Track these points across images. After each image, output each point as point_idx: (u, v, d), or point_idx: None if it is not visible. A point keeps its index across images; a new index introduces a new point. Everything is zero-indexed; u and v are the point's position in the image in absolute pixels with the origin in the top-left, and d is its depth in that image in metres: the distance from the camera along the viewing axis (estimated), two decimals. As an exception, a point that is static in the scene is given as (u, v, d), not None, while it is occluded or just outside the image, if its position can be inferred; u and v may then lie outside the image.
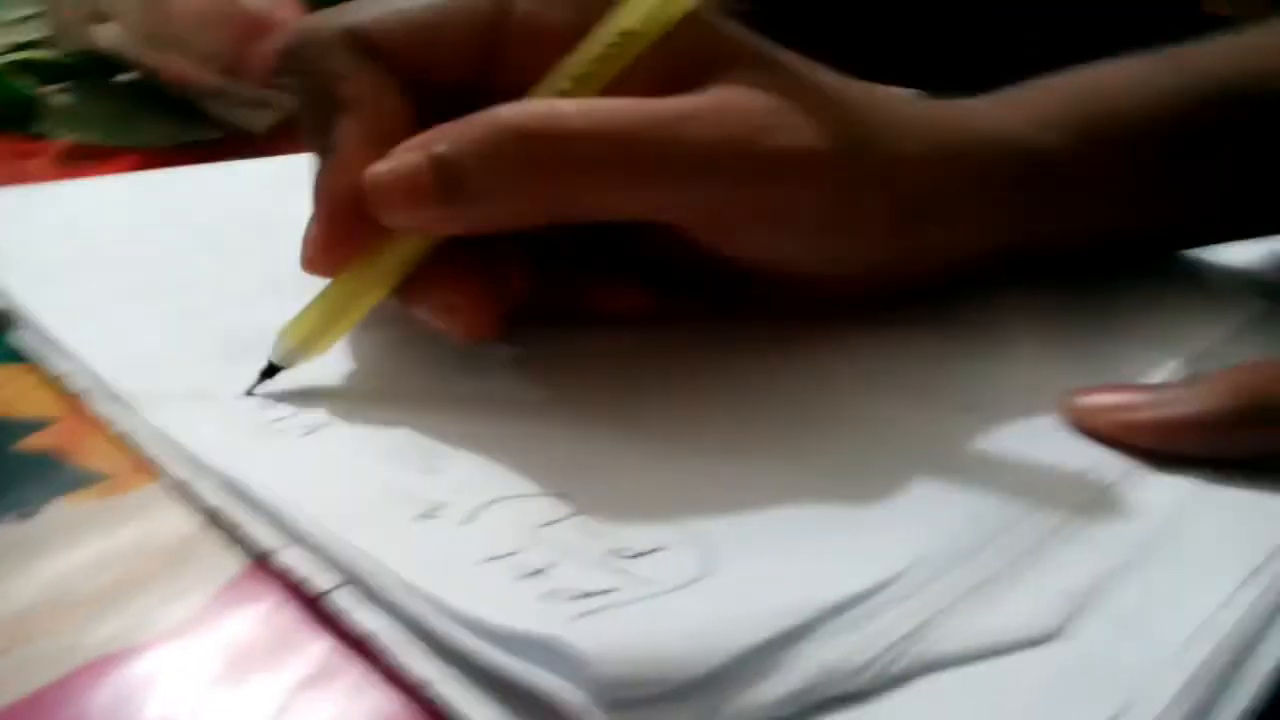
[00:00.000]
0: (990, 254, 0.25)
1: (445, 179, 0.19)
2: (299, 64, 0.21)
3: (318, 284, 0.25)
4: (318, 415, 0.19)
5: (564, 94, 0.20)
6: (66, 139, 0.38)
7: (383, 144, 0.20)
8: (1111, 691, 0.14)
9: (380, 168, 0.19)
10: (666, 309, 0.24)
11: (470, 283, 0.20)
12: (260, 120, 0.41)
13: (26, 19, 0.41)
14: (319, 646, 0.15)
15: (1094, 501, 0.18)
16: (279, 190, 0.32)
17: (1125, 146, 0.25)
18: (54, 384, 0.21)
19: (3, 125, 0.39)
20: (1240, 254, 0.30)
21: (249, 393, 0.20)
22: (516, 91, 0.20)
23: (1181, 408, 0.19)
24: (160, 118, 0.40)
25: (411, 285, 0.20)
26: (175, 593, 0.16)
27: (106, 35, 0.39)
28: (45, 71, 0.41)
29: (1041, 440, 0.20)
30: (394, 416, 0.20)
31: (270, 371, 0.20)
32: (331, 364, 0.21)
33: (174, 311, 0.23)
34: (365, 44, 0.20)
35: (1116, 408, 0.20)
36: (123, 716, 0.14)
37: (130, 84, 0.41)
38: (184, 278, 0.25)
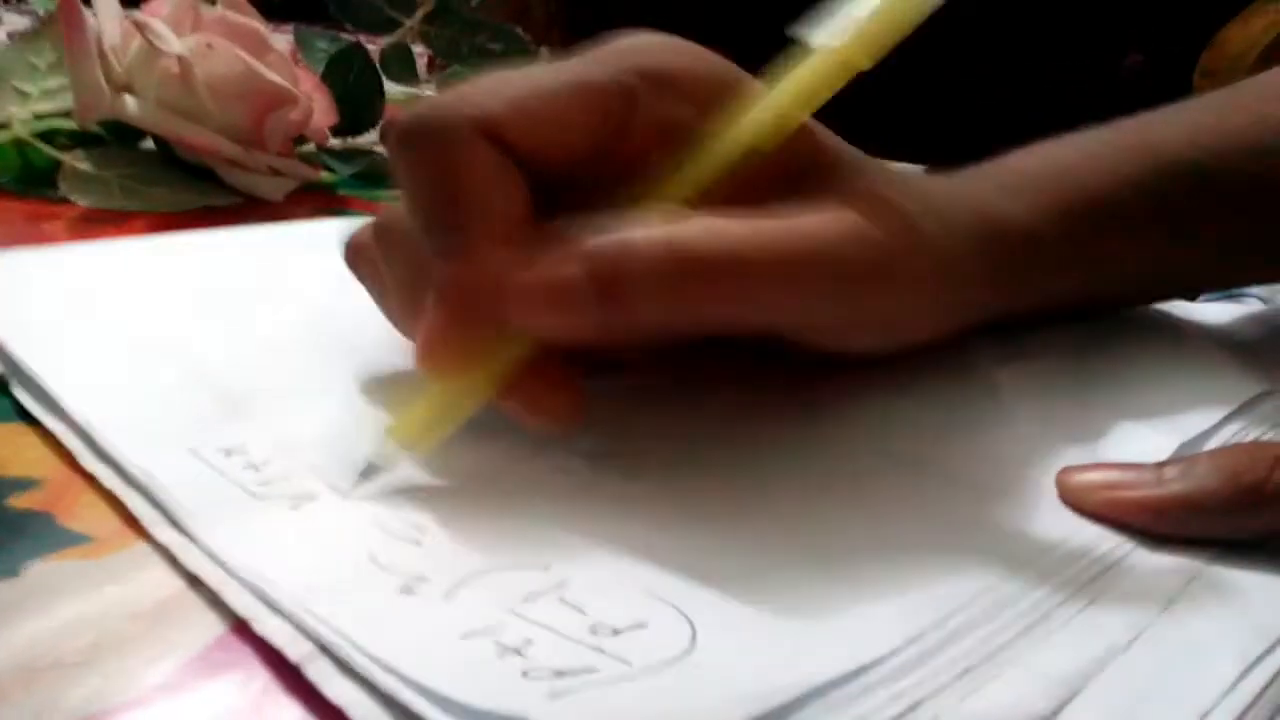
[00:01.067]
0: (982, 323, 0.26)
1: (606, 286, 0.18)
2: (420, 147, 0.20)
3: (312, 343, 0.25)
4: (305, 480, 0.19)
5: (688, 202, 0.20)
6: (84, 203, 0.39)
7: (512, 241, 0.19)
8: None
9: (531, 271, 0.19)
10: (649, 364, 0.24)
11: (558, 377, 0.20)
12: (276, 189, 0.42)
13: (52, 91, 0.43)
14: (294, 714, 0.15)
15: (1090, 582, 0.18)
16: (286, 255, 0.33)
17: (1098, 225, 0.27)
18: (48, 443, 0.21)
19: (25, 189, 0.40)
20: (1241, 335, 0.30)
21: (351, 491, 0.19)
22: (627, 176, 0.20)
23: (1174, 488, 0.19)
24: (177, 184, 0.41)
25: (505, 382, 0.20)
26: (153, 656, 0.15)
27: (128, 106, 0.40)
28: (67, 139, 0.42)
29: (1037, 517, 0.20)
30: (381, 481, 0.19)
31: (372, 472, 0.20)
32: (322, 421, 0.21)
33: (173, 373, 0.23)
34: (494, 132, 0.19)
35: (1108, 485, 0.20)
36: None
37: (149, 151, 0.43)
38: (186, 340, 0.25)
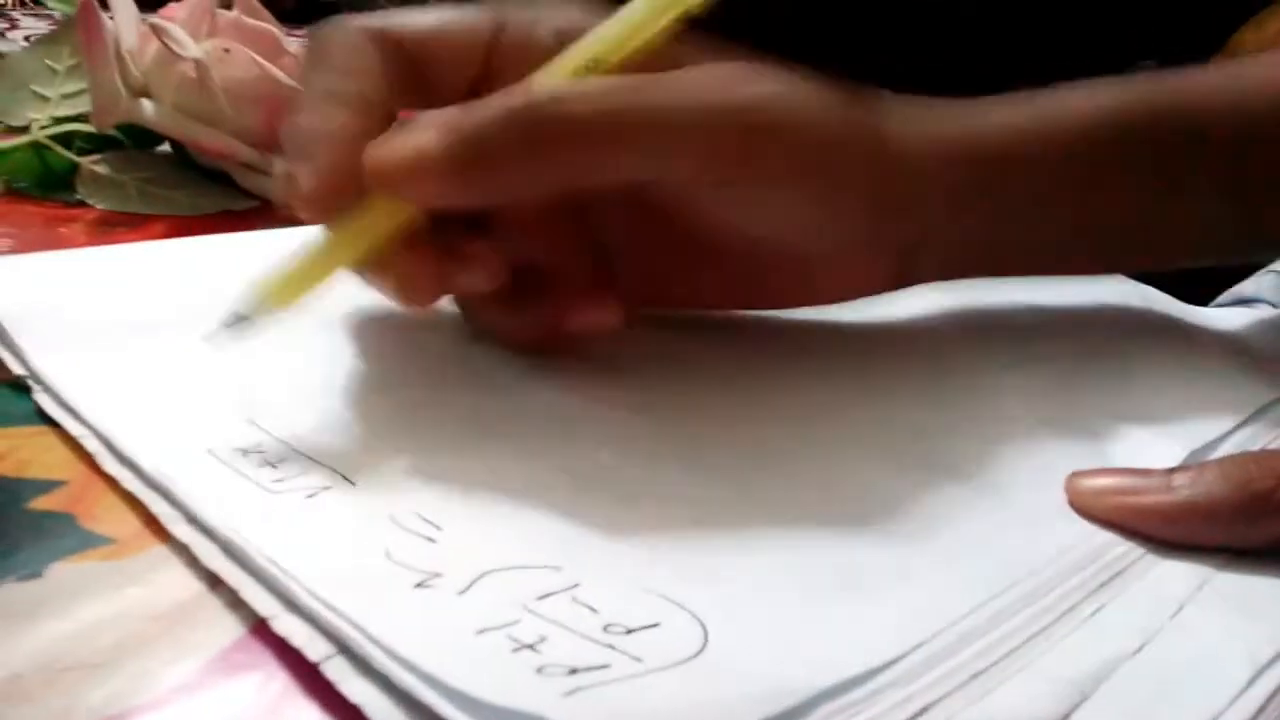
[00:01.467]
0: (959, 251, 0.26)
1: (458, 152, 0.20)
2: (321, 44, 0.23)
3: (324, 342, 0.26)
4: (321, 477, 0.20)
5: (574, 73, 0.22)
6: (102, 207, 0.40)
7: (371, 112, 0.22)
8: None
9: (398, 141, 0.21)
10: (640, 320, 0.25)
11: (424, 258, 0.22)
12: (289, 192, 0.43)
13: (70, 95, 0.43)
14: (311, 714, 0.15)
15: (1099, 588, 0.18)
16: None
17: (1091, 163, 0.26)
18: (69, 445, 0.21)
19: (43, 192, 0.41)
20: (1252, 341, 0.30)
21: (209, 337, 0.21)
22: None
23: (1183, 495, 0.19)
24: (194, 188, 0.41)
25: (381, 255, 0.22)
26: (174, 656, 0.16)
27: (145, 110, 0.40)
28: (85, 143, 0.42)
29: (1046, 522, 0.20)
30: (395, 478, 0.20)
31: (236, 321, 0.21)
32: (337, 419, 0.22)
33: (185, 374, 0.24)
34: (384, 41, 0.23)
35: (1117, 491, 0.20)
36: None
37: (166, 155, 0.43)
38: (196, 341, 0.26)
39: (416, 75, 0.23)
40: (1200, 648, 0.17)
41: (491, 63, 0.24)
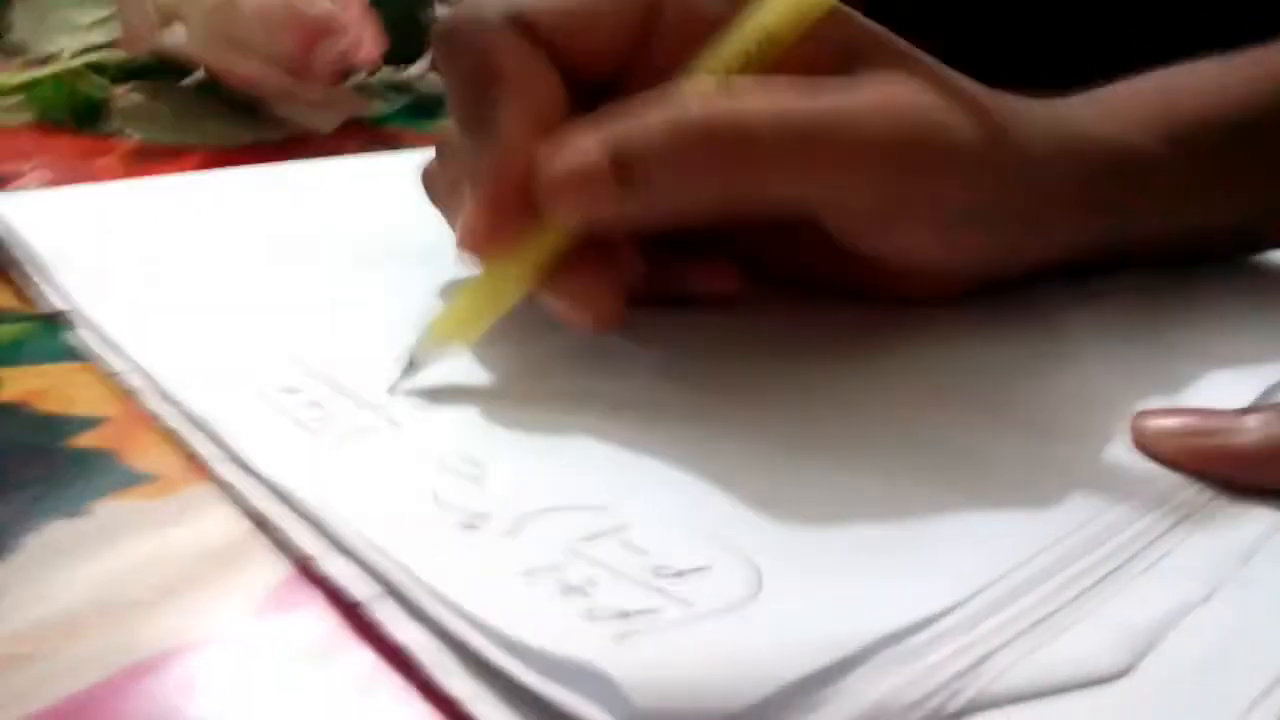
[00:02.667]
0: (1088, 251, 0.25)
1: (624, 171, 0.19)
2: (457, 44, 0.21)
3: (368, 280, 0.25)
4: (366, 418, 0.19)
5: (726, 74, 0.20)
6: (134, 138, 0.39)
7: (545, 128, 0.20)
8: None
9: (557, 157, 0.19)
10: (754, 295, 0.25)
11: (598, 273, 0.21)
12: (325, 121, 0.42)
13: (98, 23, 0.43)
14: (360, 655, 0.15)
15: (1165, 533, 0.17)
16: (339, 191, 0.33)
17: (1211, 151, 0.25)
18: (109, 383, 0.21)
19: (74, 124, 0.40)
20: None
21: (391, 391, 0.20)
22: (661, 79, 0.20)
23: (1254, 437, 0.18)
24: (226, 118, 0.41)
25: (544, 275, 0.21)
26: (223, 595, 0.16)
27: (174, 38, 0.40)
28: (115, 73, 0.42)
29: (1111, 465, 0.19)
30: (440, 420, 0.19)
31: (413, 367, 0.20)
32: (381, 360, 0.21)
33: (229, 311, 0.23)
34: (527, 28, 0.20)
35: (1185, 432, 0.19)
36: (172, 716, 0.13)
37: (197, 85, 0.42)
38: (239, 278, 0.25)
39: (567, 59, 0.21)
40: (1272, 596, 0.16)
41: (649, 39, 0.21)
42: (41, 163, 0.36)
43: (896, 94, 0.21)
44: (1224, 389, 0.21)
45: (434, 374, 0.20)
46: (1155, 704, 0.14)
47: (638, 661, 0.13)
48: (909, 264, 0.23)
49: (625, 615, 0.14)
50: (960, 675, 0.14)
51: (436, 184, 0.25)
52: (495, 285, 0.21)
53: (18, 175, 0.35)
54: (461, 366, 0.22)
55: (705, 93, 0.20)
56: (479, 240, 0.20)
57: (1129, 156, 0.24)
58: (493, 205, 0.20)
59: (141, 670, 0.14)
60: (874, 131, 0.20)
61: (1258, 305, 0.26)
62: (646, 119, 0.19)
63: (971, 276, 0.25)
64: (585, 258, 0.20)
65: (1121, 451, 0.19)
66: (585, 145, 0.19)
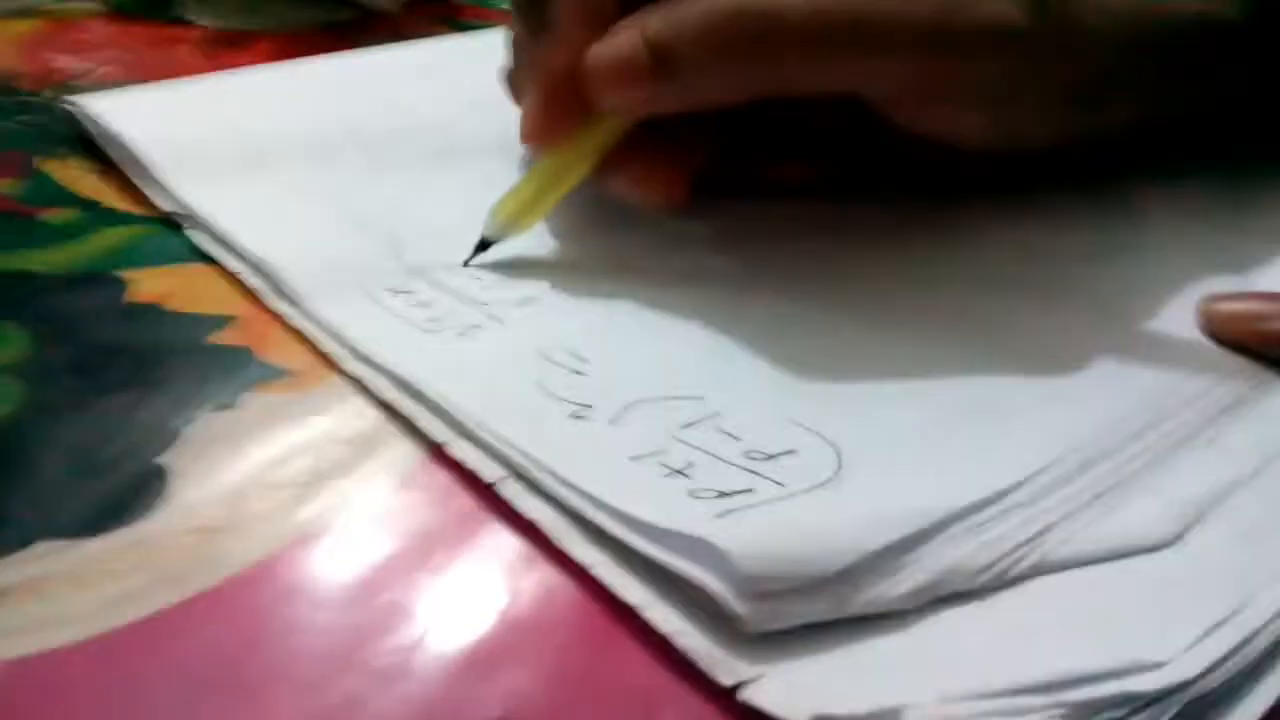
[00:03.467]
0: (1167, 126, 0.25)
1: (662, 61, 0.20)
2: None
3: (470, 177, 0.26)
4: (470, 314, 0.21)
5: None
6: (205, 23, 0.40)
7: (598, 23, 0.21)
8: (1222, 597, 0.15)
9: (599, 51, 0.21)
10: (832, 184, 0.26)
11: (660, 157, 0.23)
12: (393, 1, 0.42)
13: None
14: (493, 528, 0.17)
15: (1224, 411, 0.18)
16: (426, 79, 0.33)
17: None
18: (231, 281, 0.23)
19: (146, 12, 0.41)
20: None
21: (466, 264, 0.23)
22: None
23: None
24: (295, 1, 0.41)
25: (608, 161, 0.23)
26: (366, 478, 0.18)
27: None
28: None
29: (1174, 345, 0.20)
30: (540, 316, 0.21)
31: (483, 246, 0.23)
32: (481, 257, 0.23)
33: (334, 208, 0.25)
34: None
35: (1254, 316, 0.20)
36: (333, 584, 0.16)
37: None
38: (341, 174, 0.27)
39: None
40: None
41: None
42: (114, 55, 0.37)
43: None
44: None
45: (506, 251, 0.23)
46: (1200, 570, 0.15)
47: (739, 533, 0.15)
48: (960, 143, 0.23)
49: (724, 495, 0.16)
50: (1024, 544, 0.15)
51: (514, 83, 0.26)
52: (556, 170, 0.23)
53: (89, 71, 0.36)
54: (552, 260, 0.23)
55: None
56: (538, 131, 0.23)
57: (1206, 24, 0.24)
58: (549, 99, 0.22)
59: (309, 541, 0.17)
60: (904, 12, 0.20)
61: None
62: (683, 11, 0.20)
63: (1034, 157, 0.25)
64: (645, 143, 0.22)
65: (1186, 333, 0.20)
66: (627, 38, 0.21)
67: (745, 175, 0.25)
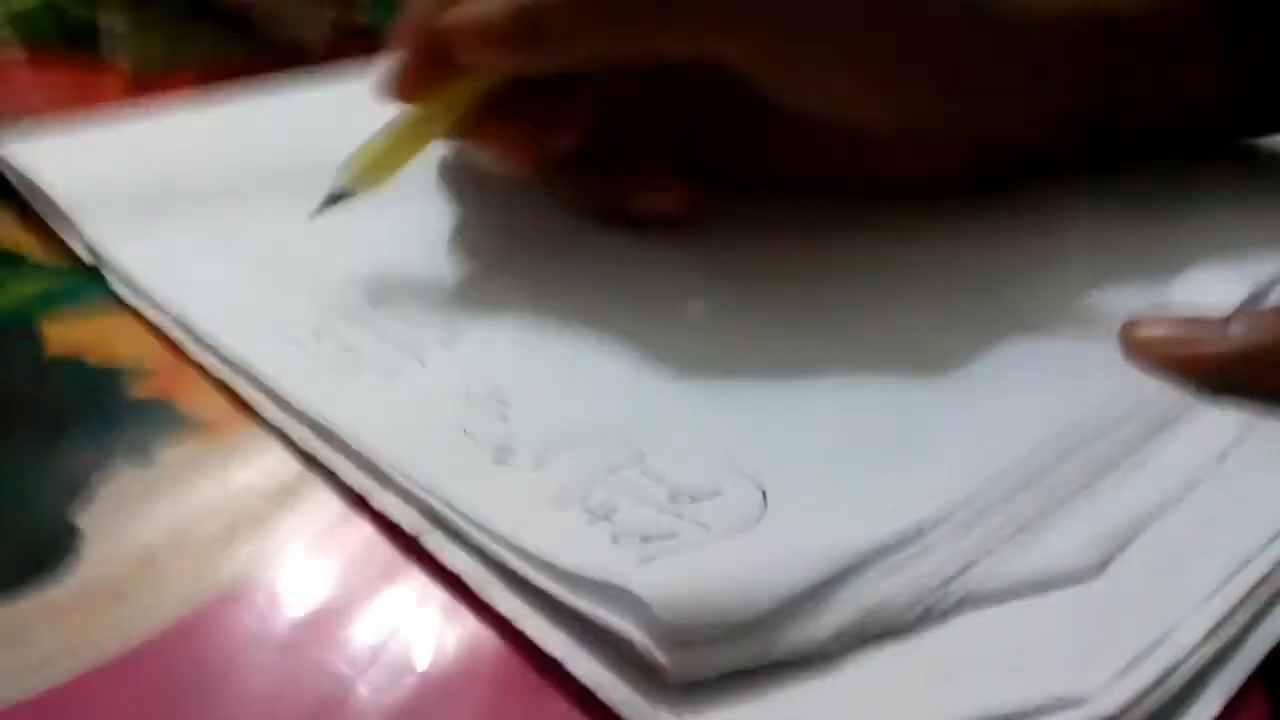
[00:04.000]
0: (1055, 124, 0.25)
1: (525, 21, 0.21)
2: None
3: (392, 214, 0.26)
4: (395, 358, 0.21)
5: None
6: (128, 62, 0.39)
7: None
8: (1144, 628, 0.15)
9: (465, 10, 0.22)
10: (708, 206, 0.26)
11: (518, 124, 0.24)
12: (314, 35, 0.41)
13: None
14: (416, 580, 0.17)
15: (1145, 437, 0.19)
16: (345, 116, 0.33)
17: (1198, 12, 0.25)
18: (150, 331, 0.23)
19: (71, 46, 0.40)
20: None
21: (313, 216, 0.23)
22: None
23: (1236, 343, 0.19)
24: (214, 33, 0.40)
25: (466, 123, 0.24)
26: (286, 532, 0.17)
27: (159, -47, 0.39)
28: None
29: (1099, 371, 0.20)
30: (465, 356, 0.21)
31: (334, 200, 0.23)
32: (407, 298, 0.23)
33: (254, 253, 0.24)
34: None
35: (1170, 339, 0.20)
36: (252, 643, 0.15)
37: (183, 1, 0.42)
38: (260, 217, 0.26)
39: None
40: (1239, 495, 0.17)
41: None
42: (39, 97, 0.36)
43: None
44: (1216, 287, 0.22)
45: (353, 204, 0.23)
46: (1123, 600, 0.15)
47: (661, 580, 0.15)
48: (840, 120, 0.24)
49: (648, 540, 0.16)
50: (948, 580, 0.15)
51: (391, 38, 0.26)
52: (414, 127, 0.23)
53: (16, 114, 0.35)
54: (474, 290, 0.23)
55: None
56: (395, 84, 0.23)
57: (1105, 18, 0.24)
58: (406, 55, 0.23)
59: (227, 600, 0.16)
60: None
61: (1249, 204, 0.26)
62: None
63: (926, 150, 0.25)
64: (504, 109, 0.23)
65: (1110, 359, 0.21)
66: (491, 2, 0.22)
67: (615, 204, 0.25)
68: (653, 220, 0.25)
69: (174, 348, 0.22)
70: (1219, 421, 0.19)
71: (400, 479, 0.17)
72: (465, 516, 0.17)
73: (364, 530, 0.18)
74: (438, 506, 0.17)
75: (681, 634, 0.14)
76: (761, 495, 0.17)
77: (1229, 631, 0.15)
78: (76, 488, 0.18)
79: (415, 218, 0.26)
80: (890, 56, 0.22)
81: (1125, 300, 0.22)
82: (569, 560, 0.15)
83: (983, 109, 0.24)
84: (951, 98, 0.23)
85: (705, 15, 0.21)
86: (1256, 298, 0.22)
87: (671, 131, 0.26)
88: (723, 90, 0.23)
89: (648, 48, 0.22)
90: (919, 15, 0.22)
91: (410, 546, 0.17)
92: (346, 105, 0.34)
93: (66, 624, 0.16)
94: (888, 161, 0.25)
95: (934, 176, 0.25)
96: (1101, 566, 0.16)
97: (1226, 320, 0.20)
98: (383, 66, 0.23)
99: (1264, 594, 0.16)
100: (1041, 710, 0.14)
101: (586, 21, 0.21)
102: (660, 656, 0.14)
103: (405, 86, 0.23)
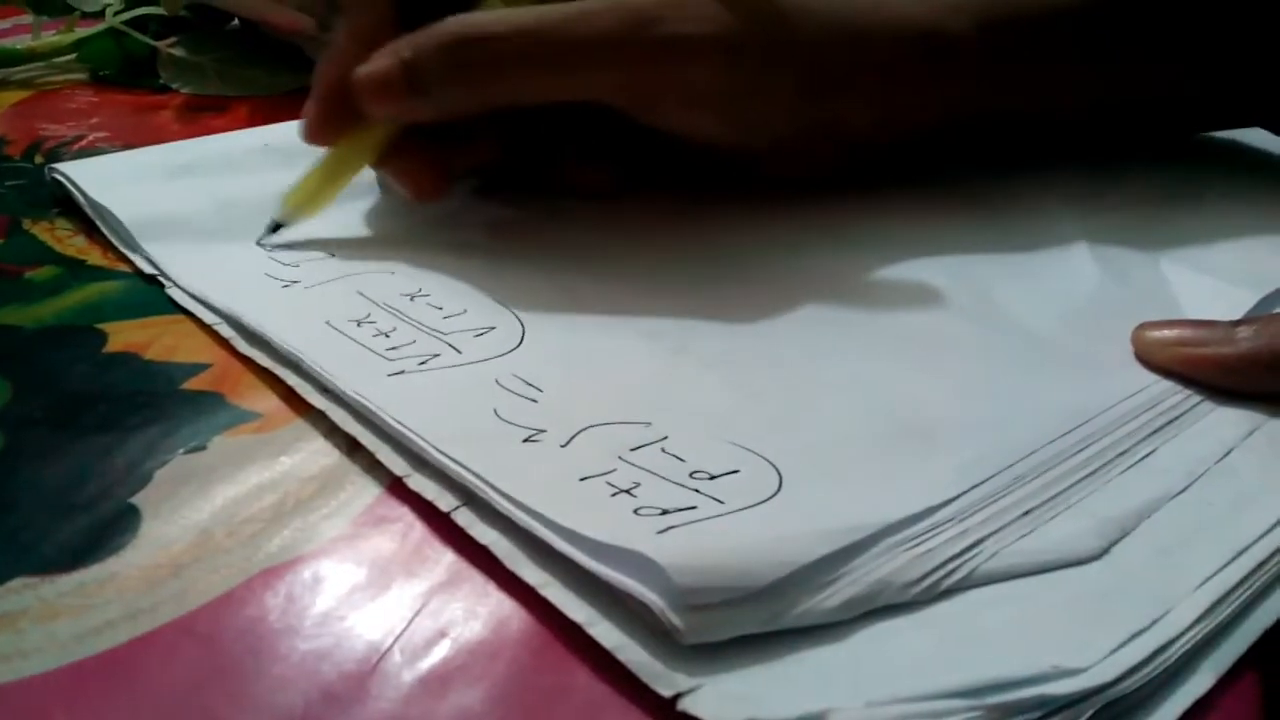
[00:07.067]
0: (909, 133, 0.28)
1: (409, 78, 0.24)
2: None
3: (425, 216, 0.29)
4: (429, 344, 0.22)
5: (508, 3, 0.26)
6: (185, 90, 0.41)
7: (371, 43, 0.25)
8: (1142, 609, 0.15)
9: (364, 68, 0.25)
10: (632, 187, 0.29)
11: (424, 156, 0.27)
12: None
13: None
14: (448, 557, 0.18)
15: (1154, 433, 0.19)
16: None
17: (1028, 31, 0.27)
18: (207, 332, 0.24)
19: (129, 80, 0.42)
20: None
21: (258, 243, 0.26)
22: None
23: (1244, 346, 0.20)
24: (269, 65, 0.43)
25: (384, 156, 0.27)
26: (329, 512, 0.19)
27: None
28: (158, 26, 0.43)
29: (1110, 371, 0.21)
30: (497, 345, 0.22)
31: (275, 228, 0.26)
32: (438, 289, 0.24)
33: (293, 258, 0.26)
34: None
35: (1180, 342, 0.21)
36: (295, 612, 0.17)
37: (237, 33, 0.44)
38: (297, 230, 0.28)
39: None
40: (1240, 488, 0.18)
41: None
42: (100, 122, 0.39)
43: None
44: (1224, 296, 0.23)
45: (294, 233, 0.27)
46: (1123, 583, 0.16)
47: (677, 548, 0.16)
48: (706, 141, 0.26)
49: (666, 512, 0.17)
50: (954, 558, 0.16)
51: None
52: (338, 164, 0.27)
53: (81, 137, 0.37)
54: (505, 287, 0.25)
55: (471, 14, 0.24)
56: (315, 132, 0.26)
57: (938, 36, 0.26)
58: (323, 105, 0.26)
59: (273, 573, 0.17)
60: (598, 29, 0.24)
61: (1262, 210, 0.27)
62: (426, 36, 0.24)
63: (794, 152, 0.27)
64: (411, 144, 0.26)
65: (1121, 360, 0.21)
66: (385, 59, 0.24)
67: (544, 177, 0.28)
68: (588, 195, 0.28)
69: (227, 347, 0.23)
70: (1225, 420, 0.20)
71: (435, 458, 0.18)
72: (499, 490, 0.17)
73: (399, 511, 0.19)
74: (472, 483, 0.18)
75: (694, 597, 0.15)
76: (778, 475, 0.18)
77: (1223, 614, 0.15)
78: (135, 472, 0.20)
79: (446, 217, 0.28)
80: (741, 93, 0.25)
81: (1132, 305, 0.22)
82: (592, 530, 0.16)
83: (832, 123, 0.27)
84: (804, 116, 0.26)
85: (565, 64, 0.24)
86: (1264, 303, 0.23)
87: (581, 135, 0.28)
88: (607, 115, 0.26)
89: (521, 97, 0.25)
90: (758, 49, 0.24)
91: (441, 527, 0.18)
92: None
93: (127, 593, 0.17)
94: (768, 164, 0.28)
95: (813, 175, 0.28)
96: (1104, 551, 0.17)
97: (1235, 324, 0.21)
98: (304, 114, 0.26)
99: (1259, 580, 0.16)
100: (1038, 680, 0.14)
101: (461, 76, 0.24)
102: (675, 619, 0.15)
103: (320, 133, 0.26)
